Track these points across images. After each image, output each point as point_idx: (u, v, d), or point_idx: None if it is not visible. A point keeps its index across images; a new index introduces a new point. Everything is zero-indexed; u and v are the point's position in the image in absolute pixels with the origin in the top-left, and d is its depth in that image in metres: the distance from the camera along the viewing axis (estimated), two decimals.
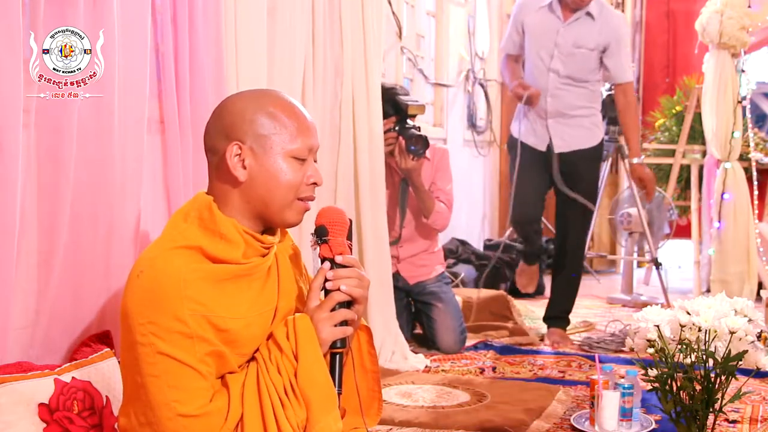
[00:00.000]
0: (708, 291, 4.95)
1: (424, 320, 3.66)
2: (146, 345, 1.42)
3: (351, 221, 1.61)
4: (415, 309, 3.74)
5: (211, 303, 1.45)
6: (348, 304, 1.55)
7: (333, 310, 1.53)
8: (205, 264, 1.48)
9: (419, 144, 3.41)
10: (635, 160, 3.80)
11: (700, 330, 1.95)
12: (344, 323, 1.54)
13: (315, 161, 1.58)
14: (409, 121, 3.50)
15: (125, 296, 1.47)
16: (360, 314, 1.58)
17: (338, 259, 1.55)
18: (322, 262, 1.56)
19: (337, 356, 1.55)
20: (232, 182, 1.53)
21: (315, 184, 1.56)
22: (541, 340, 3.79)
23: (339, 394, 1.53)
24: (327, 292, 1.55)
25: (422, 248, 3.70)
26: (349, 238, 1.59)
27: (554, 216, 3.85)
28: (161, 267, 1.44)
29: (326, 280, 1.54)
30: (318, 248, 1.57)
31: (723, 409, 2.00)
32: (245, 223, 1.53)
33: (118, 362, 1.82)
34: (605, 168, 4.55)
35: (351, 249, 1.59)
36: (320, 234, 1.56)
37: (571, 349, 3.64)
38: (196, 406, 1.43)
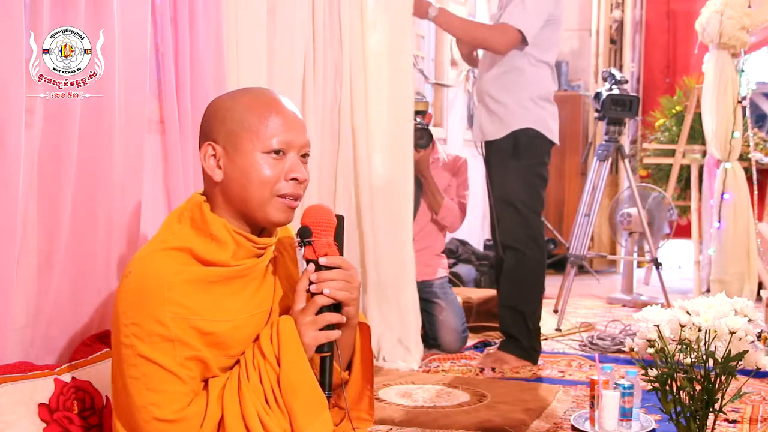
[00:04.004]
0: (708, 291, 4.95)
1: (425, 318, 3.66)
2: (128, 346, 1.42)
3: (341, 219, 1.55)
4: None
5: (195, 306, 1.43)
6: (335, 307, 1.51)
7: (318, 313, 1.49)
8: (192, 266, 1.46)
9: (424, 137, 3.60)
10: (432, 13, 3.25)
11: (700, 330, 1.95)
12: (331, 326, 1.50)
13: (306, 156, 1.54)
14: (416, 117, 3.57)
15: (116, 296, 1.47)
16: (351, 316, 1.54)
17: (322, 260, 1.50)
18: (307, 264, 1.52)
19: (327, 359, 1.51)
20: (212, 182, 1.52)
21: (296, 180, 1.51)
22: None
23: (329, 397, 1.50)
24: (314, 295, 1.51)
25: (427, 244, 3.73)
26: (339, 237, 1.54)
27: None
28: (148, 268, 1.43)
29: (311, 282, 1.51)
30: (302, 249, 1.52)
31: (723, 409, 2.00)
32: (235, 224, 1.51)
33: None
34: (605, 168, 4.54)
35: (340, 249, 1.54)
36: (303, 235, 1.51)
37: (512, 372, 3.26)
38: (172, 410, 1.41)
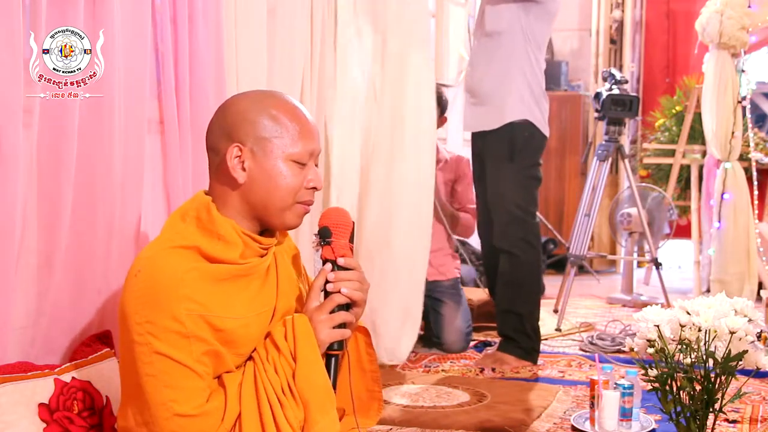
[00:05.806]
0: (708, 291, 4.95)
1: (431, 316, 3.63)
2: (143, 344, 1.42)
3: (354, 223, 1.61)
4: (424, 306, 3.72)
5: (208, 302, 1.45)
6: (347, 307, 1.55)
7: (332, 312, 1.53)
8: (202, 264, 1.48)
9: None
10: None
11: (700, 330, 1.95)
12: (342, 326, 1.54)
13: (316, 165, 1.58)
14: None
15: (123, 296, 1.47)
16: (359, 317, 1.59)
17: (340, 261, 1.55)
18: (324, 264, 1.56)
19: (333, 358, 1.54)
20: (231, 183, 1.53)
21: (314, 188, 1.56)
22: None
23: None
24: (327, 293, 1.55)
25: (440, 245, 3.72)
26: (352, 240, 1.59)
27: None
28: (158, 266, 1.44)
29: (327, 281, 1.54)
30: (320, 249, 1.57)
31: (723, 409, 2.00)
32: (244, 224, 1.53)
33: (118, 362, 1.82)
34: (605, 168, 4.54)
35: (352, 251, 1.59)
36: (324, 235, 1.56)
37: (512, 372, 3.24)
38: (192, 405, 1.43)
